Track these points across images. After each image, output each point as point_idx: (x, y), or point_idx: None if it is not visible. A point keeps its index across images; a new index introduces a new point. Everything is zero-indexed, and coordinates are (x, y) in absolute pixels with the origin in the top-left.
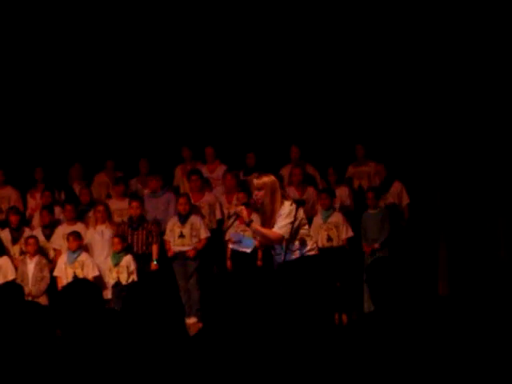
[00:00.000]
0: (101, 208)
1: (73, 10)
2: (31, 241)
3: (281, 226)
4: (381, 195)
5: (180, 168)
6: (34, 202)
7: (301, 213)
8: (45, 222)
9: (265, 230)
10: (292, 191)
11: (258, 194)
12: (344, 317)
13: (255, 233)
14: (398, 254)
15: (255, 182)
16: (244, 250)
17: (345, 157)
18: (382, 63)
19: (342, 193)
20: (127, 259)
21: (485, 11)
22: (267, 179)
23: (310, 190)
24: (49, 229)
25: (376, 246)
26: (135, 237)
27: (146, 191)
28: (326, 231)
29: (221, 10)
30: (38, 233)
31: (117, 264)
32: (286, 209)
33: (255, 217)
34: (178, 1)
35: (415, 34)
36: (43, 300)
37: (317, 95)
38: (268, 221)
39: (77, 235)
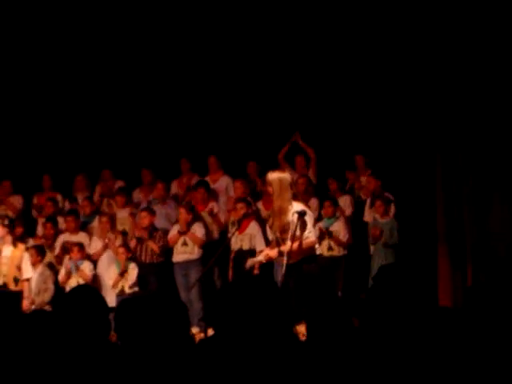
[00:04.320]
0: (104, 218)
1: (78, 21)
2: (33, 251)
3: (308, 232)
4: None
5: (177, 181)
6: (38, 206)
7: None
8: (48, 234)
9: (299, 248)
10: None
11: (268, 189)
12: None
13: (292, 254)
14: (401, 263)
15: (267, 177)
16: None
17: (345, 166)
18: (381, 73)
19: (343, 202)
20: (131, 268)
21: (484, 12)
22: (276, 176)
23: (314, 201)
24: (51, 239)
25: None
26: (143, 246)
27: (149, 200)
28: (326, 240)
29: (220, 16)
30: (42, 244)
31: (121, 273)
32: (310, 217)
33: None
34: (179, 7)
35: (416, 43)
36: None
37: (317, 104)
38: (277, 218)
39: (80, 245)
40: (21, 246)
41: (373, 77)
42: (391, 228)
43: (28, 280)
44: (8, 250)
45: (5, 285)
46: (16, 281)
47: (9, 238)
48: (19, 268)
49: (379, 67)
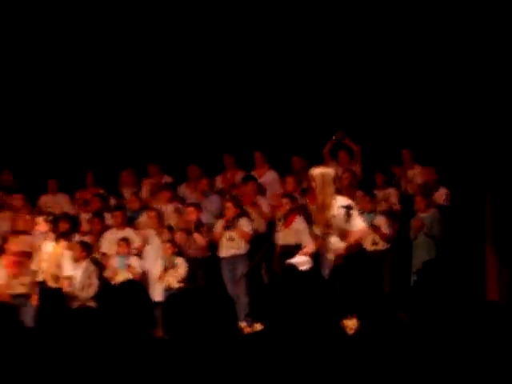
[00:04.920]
0: (152, 213)
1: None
2: (78, 247)
3: (359, 222)
4: (427, 198)
5: (221, 176)
6: (82, 201)
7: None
8: (96, 229)
9: (353, 239)
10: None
11: (311, 185)
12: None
13: (350, 247)
14: (445, 257)
15: (309, 172)
16: (302, 267)
17: (392, 159)
18: (427, 66)
19: (389, 195)
20: (179, 263)
21: None
22: (319, 171)
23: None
24: (98, 236)
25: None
26: (190, 241)
27: (194, 196)
28: (370, 235)
29: (260, 12)
30: (88, 240)
31: (168, 268)
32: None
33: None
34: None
35: (471, 39)
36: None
37: (366, 97)
38: (321, 213)
39: (127, 241)
40: (62, 243)
41: (419, 70)
42: (432, 220)
43: (67, 278)
44: (49, 246)
45: (44, 281)
46: (55, 278)
47: (51, 235)
48: (59, 265)
49: (424, 60)
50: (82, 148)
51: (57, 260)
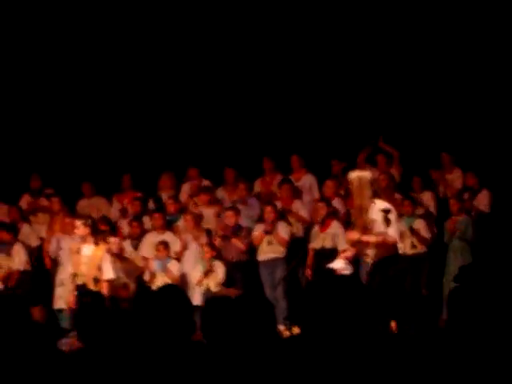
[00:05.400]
0: (188, 217)
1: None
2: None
3: (392, 230)
4: (464, 202)
5: (260, 180)
6: (120, 205)
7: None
8: (135, 233)
9: (377, 239)
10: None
11: (349, 189)
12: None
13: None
14: (485, 261)
15: (347, 176)
16: (344, 272)
17: (429, 163)
18: (464, 70)
19: (426, 199)
20: (219, 267)
21: None
22: (356, 175)
23: (397, 197)
24: (137, 240)
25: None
26: (229, 245)
27: (232, 199)
28: (409, 238)
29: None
30: (127, 243)
31: (207, 271)
32: (393, 215)
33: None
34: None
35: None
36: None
37: (405, 100)
38: (359, 216)
39: (166, 244)
40: (102, 246)
41: (460, 73)
42: (466, 224)
43: (108, 281)
44: (89, 249)
45: (84, 285)
46: (96, 281)
47: (90, 238)
48: (100, 268)
49: (465, 63)
50: (120, 151)
51: (98, 263)
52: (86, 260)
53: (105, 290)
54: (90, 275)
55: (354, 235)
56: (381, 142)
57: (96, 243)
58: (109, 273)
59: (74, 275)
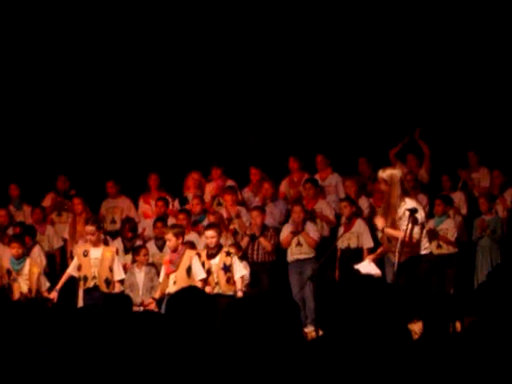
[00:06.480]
0: (212, 217)
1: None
2: (143, 252)
3: (416, 230)
4: (494, 201)
5: (287, 180)
6: (148, 207)
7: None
8: (159, 233)
9: (406, 242)
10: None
11: (379, 186)
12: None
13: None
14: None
15: (377, 174)
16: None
17: (458, 162)
18: (496, 70)
19: (458, 199)
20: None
21: None
22: (384, 173)
23: (423, 197)
24: (162, 240)
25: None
26: (255, 245)
27: (257, 199)
28: (436, 238)
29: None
30: (151, 244)
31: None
32: (419, 215)
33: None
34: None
35: None
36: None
37: (433, 100)
38: (387, 213)
39: (191, 244)
40: (111, 247)
41: (487, 73)
42: (496, 223)
43: (119, 281)
44: (97, 251)
45: (97, 287)
46: (107, 283)
47: (101, 243)
48: (111, 269)
49: (492, 63)
50: (146, 151)
51: (109, 264)
52: (95, 262)
53: (117, 290)
54: (102, 277)
55: (381, 222)
56: (417, 134)
57: (105, 244)
58: (120, 273)
59: (84, 278)
